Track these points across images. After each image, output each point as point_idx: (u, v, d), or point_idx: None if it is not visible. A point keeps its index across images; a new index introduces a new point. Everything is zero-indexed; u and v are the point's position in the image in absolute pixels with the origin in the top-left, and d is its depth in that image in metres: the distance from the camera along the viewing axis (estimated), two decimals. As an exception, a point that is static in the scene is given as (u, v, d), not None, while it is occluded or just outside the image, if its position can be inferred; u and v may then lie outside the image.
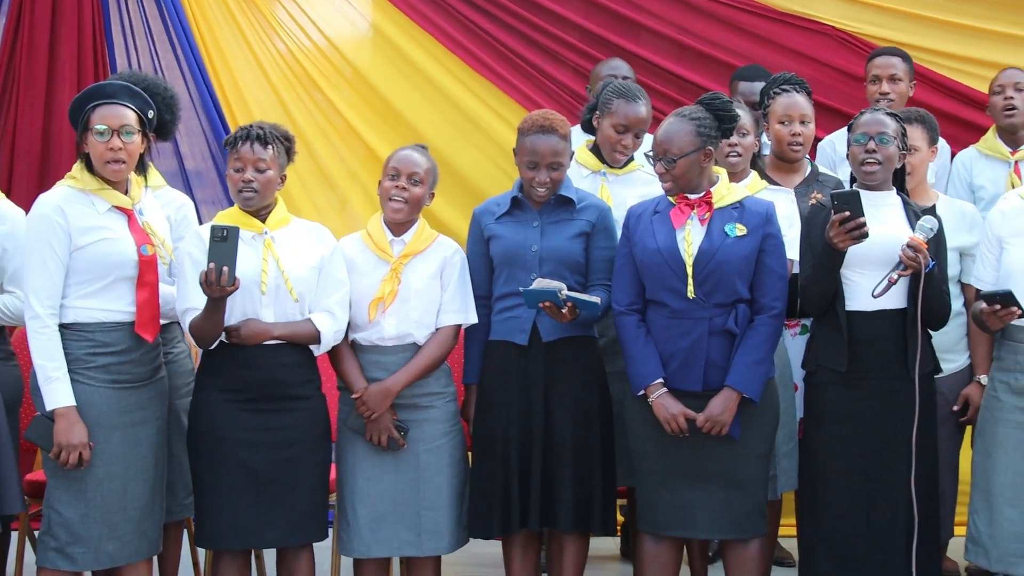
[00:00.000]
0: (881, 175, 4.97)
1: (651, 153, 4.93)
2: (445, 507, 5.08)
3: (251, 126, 4.89)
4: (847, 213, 4.74)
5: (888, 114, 5.03)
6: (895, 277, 4.79)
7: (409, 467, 5.06)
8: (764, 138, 5.76)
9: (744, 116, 5.46)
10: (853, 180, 5.08)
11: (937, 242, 4.91)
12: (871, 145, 4.94)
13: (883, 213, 4.97)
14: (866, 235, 4.76)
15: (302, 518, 4.91)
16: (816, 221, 4.96)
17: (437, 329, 5.10)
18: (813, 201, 5.34)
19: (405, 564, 5.24)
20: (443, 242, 5.17)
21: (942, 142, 6.16)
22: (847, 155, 5.09)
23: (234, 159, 4.85)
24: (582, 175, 5.47)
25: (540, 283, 4.91)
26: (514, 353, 5.11)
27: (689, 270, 4.83)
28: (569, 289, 4.93)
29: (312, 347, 4.95)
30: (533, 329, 5.08)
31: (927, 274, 4.79)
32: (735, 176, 5.36)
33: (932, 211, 5.02)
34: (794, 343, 5.48)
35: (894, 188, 5.04)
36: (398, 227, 5.10)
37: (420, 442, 5.07)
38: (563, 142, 5.11)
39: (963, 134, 6.75)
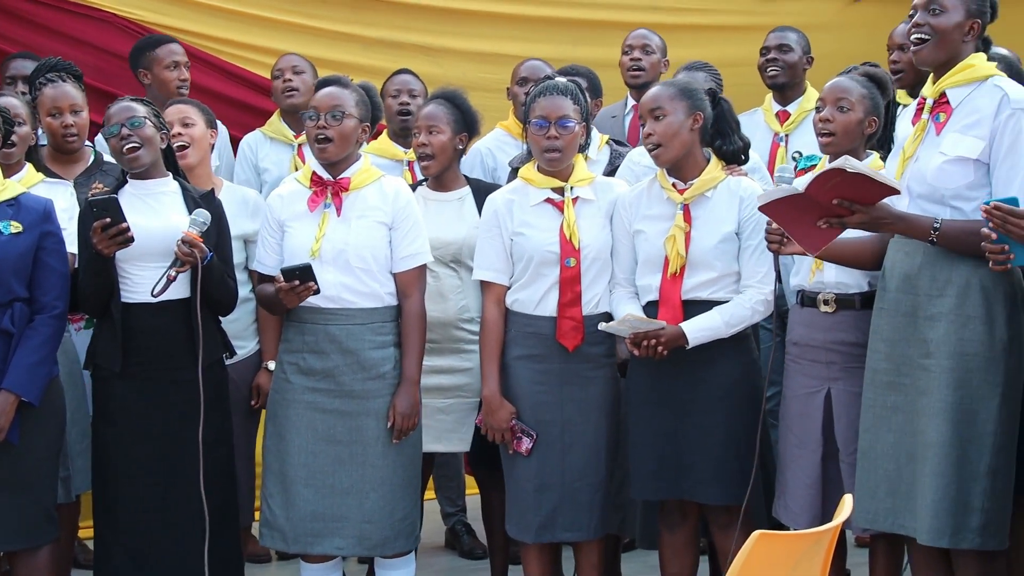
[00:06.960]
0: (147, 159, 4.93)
1: None
2: None
3: None
4: (108, 220, 4.67)
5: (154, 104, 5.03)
6: (173, 274, 4.78)
7: None
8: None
9: (18, 105, 5.28)
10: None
11: (219, 229, 4.93)
12: (123, 131, 4.85)
13: (160, 202, 4.95)
14: (131, 240, 4.71)
15: None
16: (89, 220, 4.82)
17: None
18: (95, 191, 5.20)
19: None
20: None
21: (220, 126, 6.21)
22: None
23: None
24: None
25: None
26: None
27: None
28: None
29: None
30: None
31: (206, 266, 4.80)
32: (10, 169, 5.15)
33: (212, 195, 5.05)
34: (79, 337, 5.35)
35: (170, 174, 5.02)
36: None
37: None
38: None
39: (249, 119, 6.83)
